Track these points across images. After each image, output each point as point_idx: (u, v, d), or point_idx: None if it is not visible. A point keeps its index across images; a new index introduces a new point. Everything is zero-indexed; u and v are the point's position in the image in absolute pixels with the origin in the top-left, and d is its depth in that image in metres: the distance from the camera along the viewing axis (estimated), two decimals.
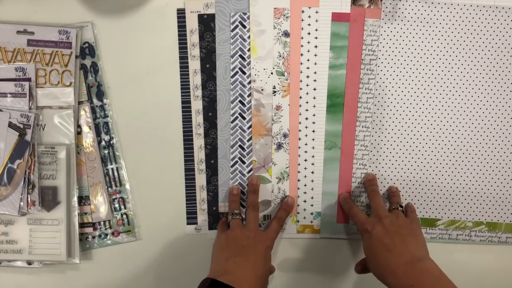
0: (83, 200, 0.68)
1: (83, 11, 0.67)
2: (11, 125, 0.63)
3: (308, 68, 0.67)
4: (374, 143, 0.68)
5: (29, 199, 0.65)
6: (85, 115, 0.68)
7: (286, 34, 0.67)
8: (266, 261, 0.62)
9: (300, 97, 0.68)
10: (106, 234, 0.70)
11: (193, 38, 0.67)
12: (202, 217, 0.70)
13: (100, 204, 0.69)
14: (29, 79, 0.64)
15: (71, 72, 0.66)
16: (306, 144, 0.69)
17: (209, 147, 0.69)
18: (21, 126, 0.63)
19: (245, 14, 0.66)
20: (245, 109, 0.68)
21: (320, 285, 0.72)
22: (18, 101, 0.64)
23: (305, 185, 0.70)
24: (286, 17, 0.66)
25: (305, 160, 0.69)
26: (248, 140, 0.69)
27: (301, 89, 0.68)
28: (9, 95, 0.64)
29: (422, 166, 0.69)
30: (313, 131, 0.69)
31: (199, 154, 0.69)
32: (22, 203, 0.64)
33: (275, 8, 0.66)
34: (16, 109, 0.64)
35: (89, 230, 0.69)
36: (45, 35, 0.65)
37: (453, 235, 0.70)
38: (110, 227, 0.70)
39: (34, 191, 0.64)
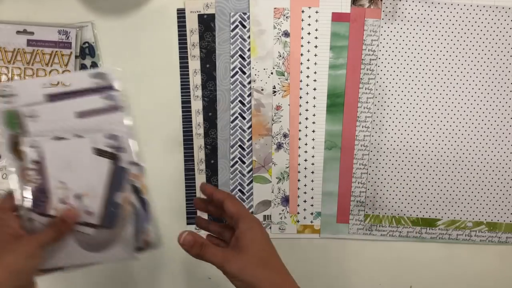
0: None
1: (83, 11, 0.67)
2: (97, 152, 0.50)
3: (308, 68, 0.67)
4: (374, 143, 0.68)
5: (143, 238, 0.52)
6: None
7: (286, 34, 0.67)
8: None
9: (300, 97, 0.68)
10: None
11: (193, 38, 0.67)
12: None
13: None
14: (110, 87, 0.50)
15: (71, 72, 0.66)
16: (306, 144, 0.69)
17: (209, 147, 0.69)
18: (110, 150, 0.50)
19: (245, 14, 0.66)
20: (245, 109, 0.68)
21: (320, 285, 0.72)
22: (106, 119, 0.50)
23: (305, 185, 0.70)
24: (286, 17, 0.66)
25: (305, 160, 0.69)
26: (248, 140, 0.69)
27: (301, 89, 0.68)
28: (100, 111, 0.51)
29: (422, 166, 0.69)
30: (313, 131, 0.69)
31: (199, 154, 0.69)
32: (137, 243, 0.52)
33: (275, 8, 0.66)
34: (97, 130, 0.51)
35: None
36: (45, 35, 0.65)
37: (453, 235, 0.70)
38: None
39: (150, 226, 0.52)
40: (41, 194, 0.50)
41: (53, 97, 0.50)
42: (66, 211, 0.50)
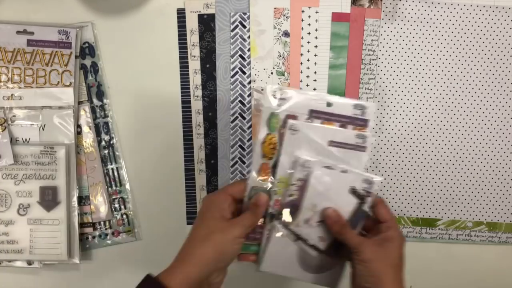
0: (83, 200, 0.68)
1: (83, 11, 0.67)
2: (352, 191, 0.53)
3: (308, 68, 0.67)
4: (374, 143, 0.68)
5: None
6: (85, 115, 0.68)
7: (286, 34, 0.67)
8: None
9: None
10: (106, 234, 0.70)
11: (193, 38, 0.67)
12: None
13: (100, 204, 0.69)
14: (364, 120, 0.53)
15: (71, 72, 0.66)
16: None
17: (209, 147, 0.69)
18: (363, 193, 0.53)
19: (245, 14, 0.66)
20: (245, 109, 0.68)
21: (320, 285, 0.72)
22: (353, 156, 0.53)
23: None
24: (286, 17, 0.66)
25: None
26: (248, 140, 0.69)
27: (301, 89, 0.68)
28: (348, 146, 0.53)
29: (422, 166, 0.69)
30: None
31: (199, 154, 0.69)
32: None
33: (275, 8, 0.66)
34: (358, 172, 0.53)
35: (89, 230, 0.69)
36: (45, 35, 0.65)
37: (453, 235, 0.70)
38: (110, 227, 0.70)
39: None
40: (292, 209, 0.53)
41: (315, 113, 0.53)
42: (259, 197, 0.52)
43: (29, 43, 0.65)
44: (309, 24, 0.67)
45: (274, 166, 0.53)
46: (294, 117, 0.53)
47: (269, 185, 0.53)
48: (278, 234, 0.54)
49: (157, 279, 0.48)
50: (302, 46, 0.67)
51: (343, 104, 0.53)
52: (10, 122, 0.66)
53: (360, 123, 0.53)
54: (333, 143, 0.53)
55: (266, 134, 0.53)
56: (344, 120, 0.53)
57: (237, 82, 0.68)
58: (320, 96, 0.53)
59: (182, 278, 0.47)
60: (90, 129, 0.68)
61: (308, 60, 0.67)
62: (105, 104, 0.68)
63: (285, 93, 0.52)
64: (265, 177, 0.53)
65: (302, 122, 0.53)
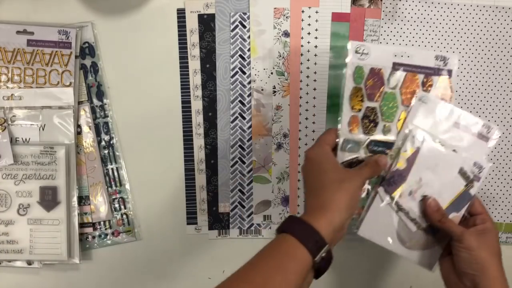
0: (83, 200, 0.68)
1: (83, 11, 0.67)
2: (460, 171, 0.54)
3: (308, 68, 0.67)
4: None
5: None
6: (85, 115, 0.68)
7: (286, 34, 0.67)
8: None
9: (300, 97, 0.68)
10: (106, 234, 0.70)
11: (193, 38, 0.67)
12: (202, 217, 0.70)
13: (100, 204, 0.69)
14: (449, 71, 0.56)
15: (71, 72, 0.66)
16: (306, 144, 0.69)
17: (209, 147, 0.69)
18: (471, 176, 0.54)
19: (245, 14, 0.66)
20: (245, 109, 0.68)
21: (320, 285, 0.72)
22: (479, 144, 0.55)
23: None
24: (286, 17, 0.66)
25: None
26: (248, 140, 0.69)
27: (301, 89, 0.68)
28: (468, 136, 0.55)
29: None
30: (313, 131, 0.69)
31: (199, 154, 0.69)
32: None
33: (275, 8, 0.66)
34: (470, 156, 0.54)
35: (89, 230, 0.69)
36: (45, 35, 0.65)
37: None
38: (110, 227, 0.70)
39: None
40: (398, 178, 0.55)
41: (398, 66, 0.56)
42: (379, 157, 0.54)
43: (29, 43, 0.65)
44: (309, 24, 0.67)
45: (363, 118, 0.56)
46: (378, 69, 0.55)
47: (361, 137, 0.55)
48: (380, 201, 0.55)
49: (303, 220, 0.49)
50: (302, 46, 0.67)
51: (425, 55, 0.55)
52: (10, 122, 0.66)
53: (443, 73, 0.56)
54: (457, 125, 0.55)
55: (353, 87, 0.55)
56: (427, 72, 0.55)
57: (237, 82, 0.68)
58: (400, 49, 0.56)
59: (327, 222, 0.49)
60: (90, 129, 0.68)
61: (308, 60, 0.67)
62: (105, 104, 0.68)
63: (367, 48, 0.55)
64: (355, 129, 0.56)
65: (433, 96, 0.55)
